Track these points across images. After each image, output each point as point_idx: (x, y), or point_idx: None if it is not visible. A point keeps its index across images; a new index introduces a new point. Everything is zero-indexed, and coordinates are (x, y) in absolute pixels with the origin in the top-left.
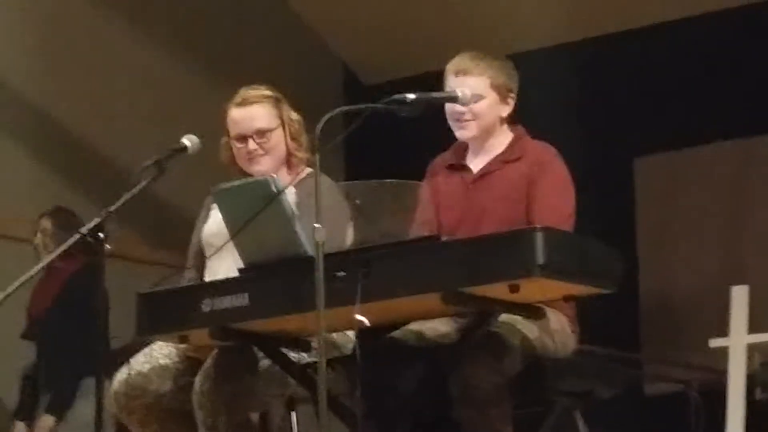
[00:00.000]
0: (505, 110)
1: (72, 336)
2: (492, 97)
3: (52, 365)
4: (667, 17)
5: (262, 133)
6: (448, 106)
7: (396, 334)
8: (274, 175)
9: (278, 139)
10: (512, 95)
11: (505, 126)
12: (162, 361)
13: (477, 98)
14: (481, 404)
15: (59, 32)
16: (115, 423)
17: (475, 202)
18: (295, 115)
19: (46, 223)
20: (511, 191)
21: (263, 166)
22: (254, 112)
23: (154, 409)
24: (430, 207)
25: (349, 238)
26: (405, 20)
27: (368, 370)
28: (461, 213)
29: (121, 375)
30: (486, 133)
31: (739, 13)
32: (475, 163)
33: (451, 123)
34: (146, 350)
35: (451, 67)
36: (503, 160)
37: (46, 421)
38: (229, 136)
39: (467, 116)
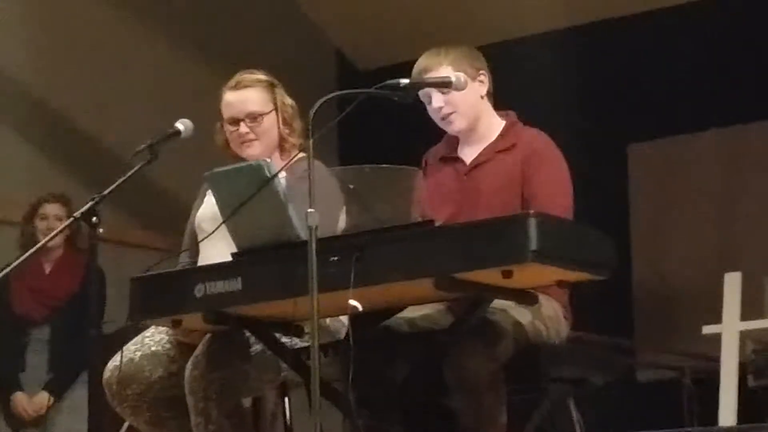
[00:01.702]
0: (482, 88)
1: (84, 323)
2: (467, 83)
3: (61, 348)
4: (661, 4)
5: (254, 116)
6: (429, 109)
7: (388, 321)
8: (268, 159)
9: (270, 124)
10: (482, 72)
11: (491, 108)
12: (153, 348)
13: (467, 82)
14: (475, 391)
15: (58, 20)
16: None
17: (470, 193)
18: (289, 100)
19: (59, 210)
20: (505, 181)
21: (255, 150)
22: (247, 96)
23: (146, 396)
24: (427, 203)
25: (341, 223)
26: (399, 6)
27: (361, 357)
28: (456, 205)
29: (113, 363)
30: (474, 118)
31: (733, 0)
32: (468, 154)
33: (438, 122)
34: (137, 337)
35: (415, 70)
36: (496, 149)
37: (42, 397)
38: (223, 119)
39: (446, 110)
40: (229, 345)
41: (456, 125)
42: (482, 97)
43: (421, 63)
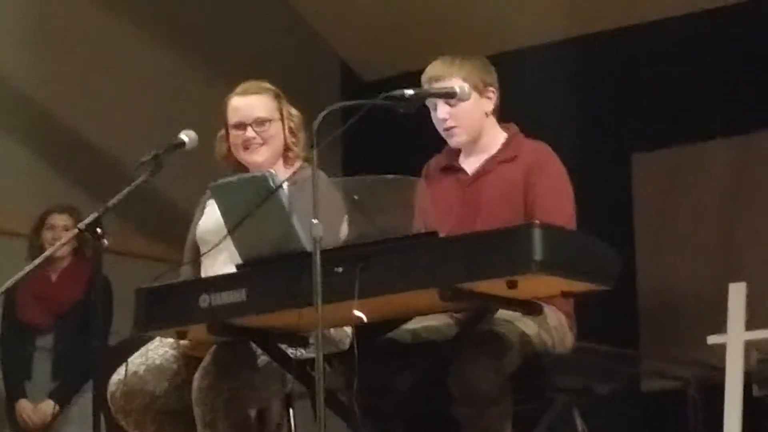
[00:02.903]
0: (488, 105)
1: (90, 332)
2: (471, 95)
3: (65, 356)
4: (666, 14)
5: (261, 121)
6: (433, 116)
7: (392, 334)
8: (272, 170)
9: (277, 131)
10: (491, 89)
11: (495, 123)
12: (158, 362)
13: (470, 94)
14: (482, 404)
15: (59, 28)
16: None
17: (471, 203)
18: (294, 111)
19: (67, 221)
20: (507, 192)
21: (260, 156)
22: (255, 101)
23: (151, 410)
24: (431, 212)
25: (342, 233)
26: (403, 16)
27: (365, 369)
28: (458, 215)
29: (117, 376)
30: (476, 133)
31: (738, 9)
32: (470, 164)
33: (441, 132)
34: (141, 350)
35: (424, 76)
36: (498, 160)
37: (47, 405)
38: (227, 128)
39: (450, 123)
40: (236, 356)
41: (457, 139)
42: (487, 114)
43: (432, 70)
